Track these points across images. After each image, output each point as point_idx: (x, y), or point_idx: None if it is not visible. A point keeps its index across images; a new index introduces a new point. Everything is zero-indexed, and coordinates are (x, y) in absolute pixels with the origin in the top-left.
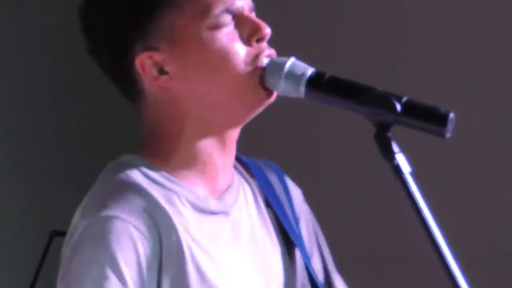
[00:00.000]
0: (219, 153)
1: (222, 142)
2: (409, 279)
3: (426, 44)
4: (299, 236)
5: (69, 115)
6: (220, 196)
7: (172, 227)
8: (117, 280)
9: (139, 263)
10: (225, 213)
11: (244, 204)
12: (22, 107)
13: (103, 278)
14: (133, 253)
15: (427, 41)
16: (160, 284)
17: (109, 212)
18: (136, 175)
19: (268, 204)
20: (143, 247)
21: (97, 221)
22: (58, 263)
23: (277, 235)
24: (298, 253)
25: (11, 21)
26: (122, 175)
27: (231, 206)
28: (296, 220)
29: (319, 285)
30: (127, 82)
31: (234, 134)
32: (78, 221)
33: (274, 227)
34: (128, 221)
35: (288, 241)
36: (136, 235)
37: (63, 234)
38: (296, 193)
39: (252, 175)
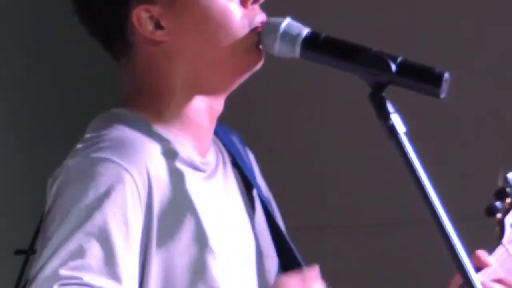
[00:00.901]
0: (207, 116)
1: (210, 106)
2: (405, 242)
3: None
4: (264, 195)
5: (68, 80)
6: (203, 156)
7: (167, 179)
8: (99, 222)
9: (125, 205)
10: (207, 171)
11: (222, 165)
12: (27, 78)
13: (87, 217)
14: (121, 196)
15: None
16: (150, 231)
17: (103, 154)
18: (132, 128)
19: (235, 164)
20: (131, 192)
21: (90, 160)
22: None
23: (242, 195)
24: (260, 213)
25: None
26: (119, 125)
27: (212, 166)
28: (255, 179)
29: (287, 242)
30: (116, 36)
31: (221, 100)
32: (68, 160)
33: (240, 186)
34: (120, 164)
35: (251, 201)
36: (128, 179)
37: None
38: (251, 156)
39: (218, 136)
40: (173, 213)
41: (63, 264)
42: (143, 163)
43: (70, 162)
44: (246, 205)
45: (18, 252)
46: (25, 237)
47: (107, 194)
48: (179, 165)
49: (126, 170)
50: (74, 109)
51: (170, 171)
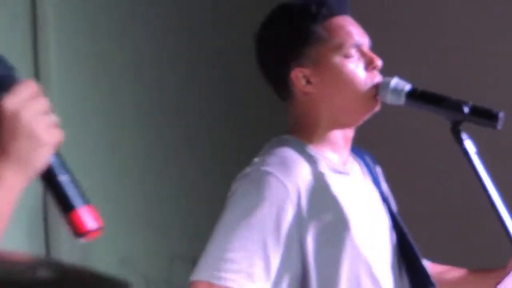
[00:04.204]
0: (342, 139)
1: (344, 133)
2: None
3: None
4: (384, 196)
5: (243, 109)
6: (344, 163)
7: (316, 183)
8: (258, 219)
9: (280, 207)
10: (348, 174)
11: (359, 171)
12: (199, 101)
13: (249, 212)
14: (276, 203)
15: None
16: (302, 224)
17: (268, 169)
18: (293, 148)
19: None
20: (285, 197)
21: (259, 172)
22: None
23: (379, 197)
24: (388, 213)
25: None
26: (285, 148)
27: (351, 171)
28: (380, 186)
29: (411, 242)
30: (282, 87)
31: (351, 130)
32: (245, 170)
33: (376, 192)
34: (279, 178)
35: (382, 203)
36: (283, 189)
37: None
38: (379, 170)
39: (356, 155)
40: (322, 206)
41: (225, 263)
42: (296, 177)
43: (248, 170)
44: (379, 201)
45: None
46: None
47: (268, 198)
48: (325, 171)
49: (282, 182)
50: (247, 130)
51: (319, 176)
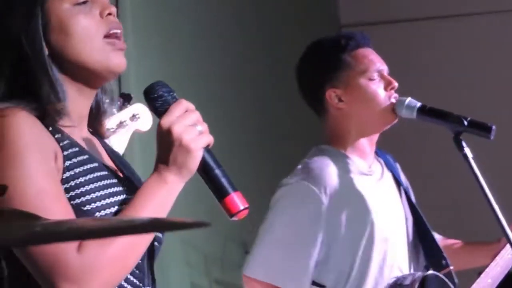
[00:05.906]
0: (369, 146)
1: (370, 141)
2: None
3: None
4: (406, 187)
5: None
6: (370, 166)
7: (345, 184)
8: (292, 224)
9: (317, 212)
10: (372, 174)
11: (380, 170)
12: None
13: (285, 217)
14: (310, 207)
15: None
16: (330, 220)
17: (302, 179)
18: (328, 156)
19: (390, 171)
20: (316, 202)
21: (296, 183)
22: None
23: (395, 187)
24: (404, 196)
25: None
26: (320, 157)
27: (375, 172)
28: (401, 179)
29: (426, 224)
30: (318, 105)
31: (375, 138)
32: (287, 179)
33: (393, 182)
34: (309, 185)
35: (399, 191)
36: (312, 193)
37: None
38: (399, 166)
39: (380, 157)
40: (347, 200)
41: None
42: (324, 182)
43: (289, 180)
44: (397, 192)
45: None
46: (247, 230)
47: (300, 204)
48: (352, 173)
49: (313, 188)
50: (296, 137)
51: (346, 177)
